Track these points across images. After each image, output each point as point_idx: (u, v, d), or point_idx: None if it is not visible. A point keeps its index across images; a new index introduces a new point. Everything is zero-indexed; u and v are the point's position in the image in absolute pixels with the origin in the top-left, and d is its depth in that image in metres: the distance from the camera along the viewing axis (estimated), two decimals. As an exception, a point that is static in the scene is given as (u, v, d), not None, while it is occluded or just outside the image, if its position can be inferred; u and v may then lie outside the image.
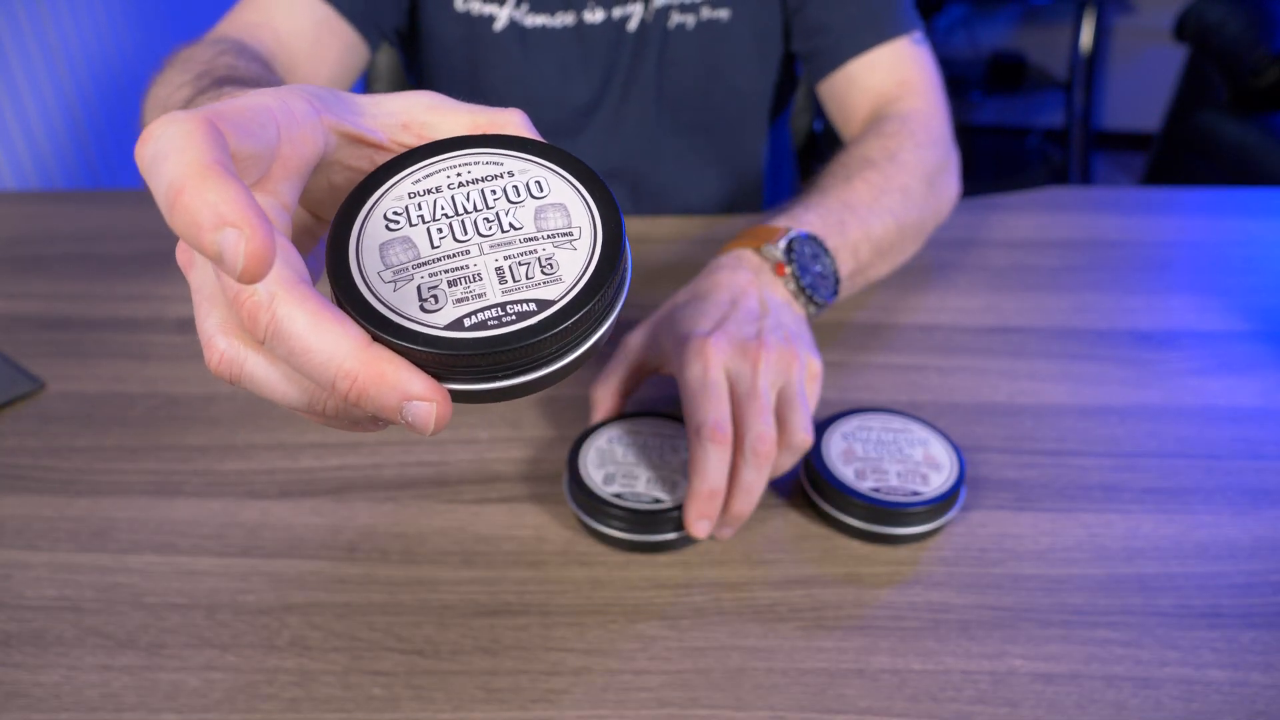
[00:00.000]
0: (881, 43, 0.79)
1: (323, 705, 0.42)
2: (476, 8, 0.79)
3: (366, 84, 1.04)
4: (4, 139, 1.30)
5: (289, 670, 0.44)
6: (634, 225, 0.83)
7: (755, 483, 0.48)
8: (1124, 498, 0.54)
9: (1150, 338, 0.68)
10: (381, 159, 0.31)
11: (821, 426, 0.54)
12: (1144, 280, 0.75)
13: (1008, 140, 2.84)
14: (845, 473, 0.51)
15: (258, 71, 0.59)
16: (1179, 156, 2.09)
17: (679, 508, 0.49)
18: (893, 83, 0.78)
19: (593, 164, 0.85)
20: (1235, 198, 0.87)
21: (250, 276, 0.23)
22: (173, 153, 0.23)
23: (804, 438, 0.49)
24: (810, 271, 0.58)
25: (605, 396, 0.55)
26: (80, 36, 1.41)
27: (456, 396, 0.27)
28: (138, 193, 0.87)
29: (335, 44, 0.73)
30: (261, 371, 0.28)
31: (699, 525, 0.47)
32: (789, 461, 0.50)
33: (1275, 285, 0.74)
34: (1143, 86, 2.79)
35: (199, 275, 0.28)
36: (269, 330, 0.25)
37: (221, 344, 0.27)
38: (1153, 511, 0.53)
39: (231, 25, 0.71)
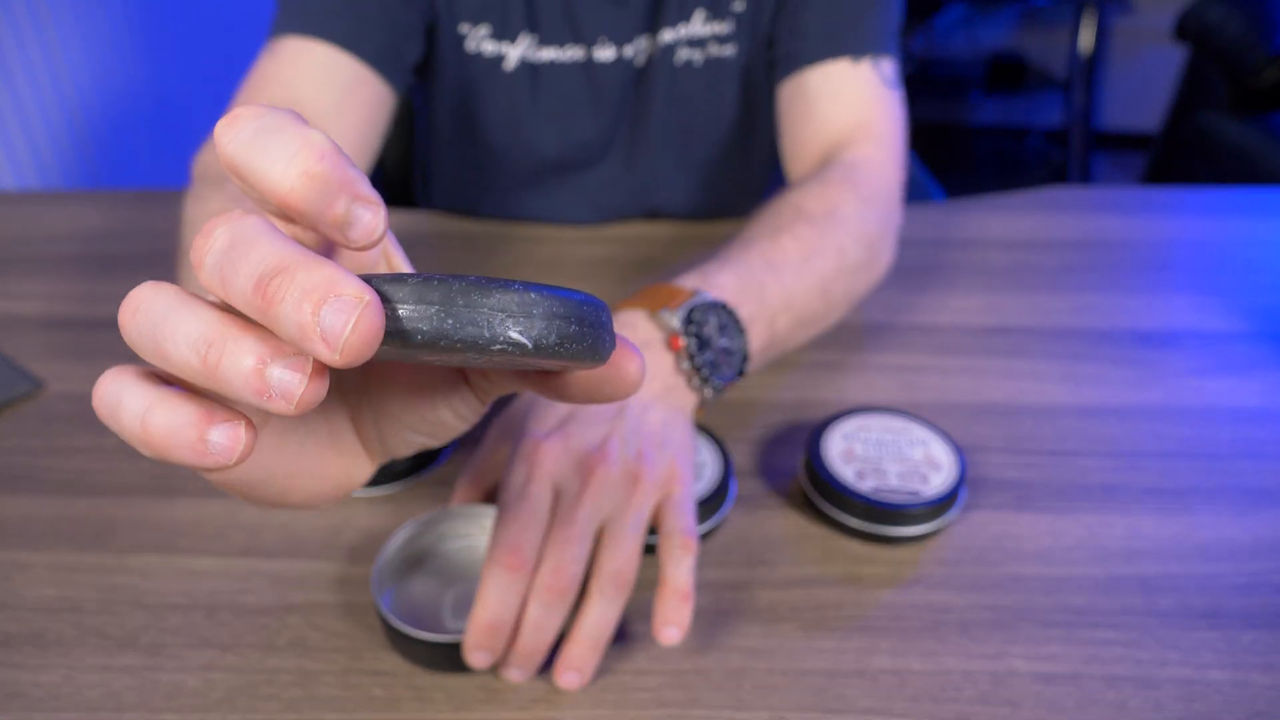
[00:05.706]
0: (841, 57, 0.71)
1: (323, 705, 0.42)
2: (490, 48, 0.76)
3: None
4: (4, 139, 1.30)
5: (289, 670, 0.44)
6: (633, 227, 0.83)
7: (544, 621, 0.41)
8: (1124, 498, 0.54)
9: (1150, 338, 0.68)
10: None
11: (821, 426, 0.54)
12: (1144, 280, 0.75)
13: (1008, 140, 2.84)
14: (845, 473, 0.51)
15: None
16: (1179, 156, 2.09)
17: None
18: (851, 122, 0.71)
19: (611, 197, 0.84)
20: (1235, 198, 0.87)
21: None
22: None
23: (618, 580, 0.42)
24: (712, 347, 0.51)
25: (462, 486, 0.50)
26: (80, 37, 1.41)
27: None
28: (138, 193, 0.87)
29: (360, 102, 0.70)
30: None
31: (475, 655, 0.41)
32: (602, 608, 0.42)
33: (1275, 285, 0.74)
34: (1143, 86, 2.80)
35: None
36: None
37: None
38: (1153, 511, 0.53)
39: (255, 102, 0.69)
